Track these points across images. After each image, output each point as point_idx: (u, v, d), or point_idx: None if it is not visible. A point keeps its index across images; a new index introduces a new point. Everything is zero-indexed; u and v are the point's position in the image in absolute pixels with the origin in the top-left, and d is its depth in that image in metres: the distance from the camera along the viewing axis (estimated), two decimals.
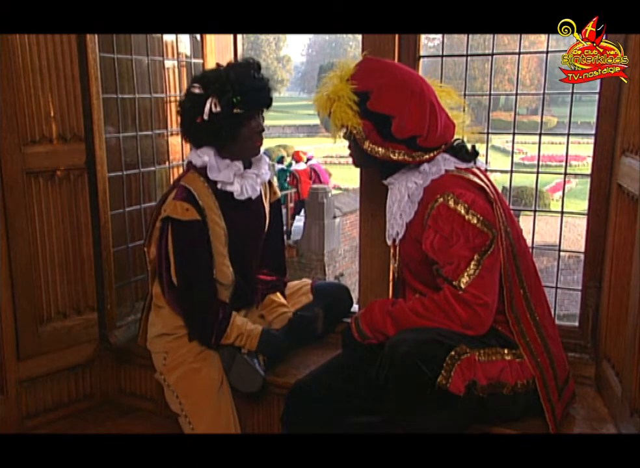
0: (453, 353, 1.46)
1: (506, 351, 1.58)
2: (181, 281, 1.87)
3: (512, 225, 1.64)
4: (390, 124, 1.59)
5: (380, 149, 1.63)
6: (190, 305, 1.89)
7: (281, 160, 14.06)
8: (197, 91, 1.82)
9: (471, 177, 1.62)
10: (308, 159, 13.69)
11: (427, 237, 1.60)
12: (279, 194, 2.19)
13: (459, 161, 1.66)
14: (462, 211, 1.54)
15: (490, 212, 1.56)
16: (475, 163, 1.70)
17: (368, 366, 1.62)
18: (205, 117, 1.79)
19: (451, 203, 1.55)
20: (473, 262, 1.53)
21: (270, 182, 2.12)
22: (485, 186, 1.61)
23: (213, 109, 1.79)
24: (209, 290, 1.91)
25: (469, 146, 1.72)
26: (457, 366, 1.45)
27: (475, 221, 1.54)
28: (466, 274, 1.52)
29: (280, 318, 2.06)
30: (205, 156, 1.87)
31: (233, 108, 1.80)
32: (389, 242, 1.80)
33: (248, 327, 1.92)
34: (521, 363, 1.58)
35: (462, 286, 1.52)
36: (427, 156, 1.63)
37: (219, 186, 1.88)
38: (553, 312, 1.85)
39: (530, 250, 1.72)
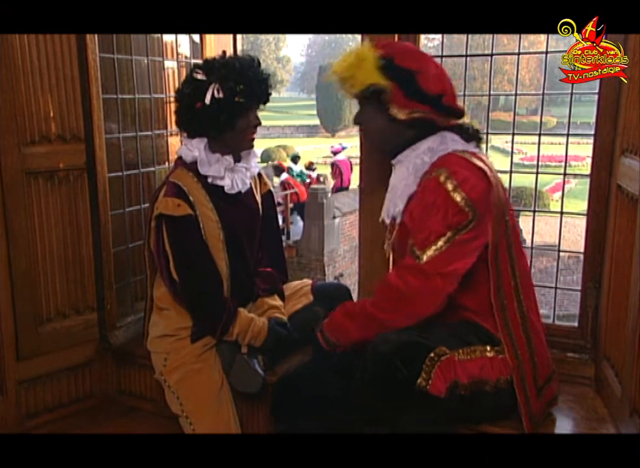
0: (432, 354, 1.45)
1: (488, 348, 1.57)
2: (180, 276, 1.86)
3: (510, 217, 1.62)
4: (415, 81, 1.59)
5: (404, 110, 1.61)
6: (193, 298, 1.88)
7: (294, 159, 13.86)
8: (200, 76, 1.81)
9: (475, 160, 1.60)
10: (335, 153, 13.49)
11: (411, 206, 1.62)
12: (269, 185, 2.17)
13: (466, 143, 1.66)
14: (450, 187, 1.52)
15: (481, 194, 1.53)
16: (480, 149, 1.70)
17: (349, 358, 1.63)
18: (207, 102, 1.78)
19: (442, 178, 1.54)
20: (443, 238, 1.52)
21: (260, 174, 2.11)
22: (487, 170, 1.58)
23: (215, 95, 1.78)
24: (212, 280, 1.89)
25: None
26: (437, 367, 1.44)
27: (459, 199, 1.51)
28: (433, 247, 1.51)
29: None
30: (196, 151, 1.87)
31: (235, 96, 1.80)
32: (387, 221, 1.78)
33: (258, 324, 1.90)
34: (503, 359, 1.56)
35: (424, 258, 1.51)
36: (449, 121, 1.64)
37: (209, 180, 1.88)
38: (553, 312, 1.84)
39: (523, 247, 1.71)
